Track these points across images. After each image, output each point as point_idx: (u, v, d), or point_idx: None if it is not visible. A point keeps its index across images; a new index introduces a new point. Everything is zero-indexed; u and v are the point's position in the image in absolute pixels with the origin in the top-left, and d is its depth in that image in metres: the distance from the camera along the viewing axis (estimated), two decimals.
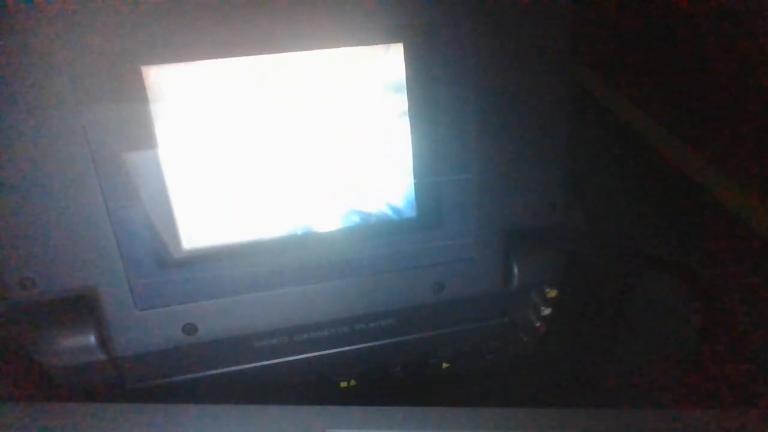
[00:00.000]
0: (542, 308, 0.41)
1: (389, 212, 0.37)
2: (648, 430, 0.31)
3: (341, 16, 0.33)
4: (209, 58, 0.32)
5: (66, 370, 0.35)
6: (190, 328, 0.35)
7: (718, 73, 0.46)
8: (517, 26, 0.35)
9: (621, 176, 0.55)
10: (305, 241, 0.36)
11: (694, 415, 0.31)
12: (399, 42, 0.34)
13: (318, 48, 0.33)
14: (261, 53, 0.32)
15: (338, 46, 0.33)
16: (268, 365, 0.39)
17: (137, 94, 0.31)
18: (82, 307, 0.34)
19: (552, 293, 0.41)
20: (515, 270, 0.40)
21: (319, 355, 0.40)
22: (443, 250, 0.38)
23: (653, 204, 0.52)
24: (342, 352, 0.40)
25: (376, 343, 0.40)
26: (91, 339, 0.34)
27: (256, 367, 0.39)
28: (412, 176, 0.36)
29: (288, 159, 0.35)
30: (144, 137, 0.32)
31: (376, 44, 0.34)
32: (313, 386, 0.42)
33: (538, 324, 0.42)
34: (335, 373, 0.42)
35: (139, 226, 0.33)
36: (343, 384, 0.43)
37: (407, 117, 0.35)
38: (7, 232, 0.32)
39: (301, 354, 0.39)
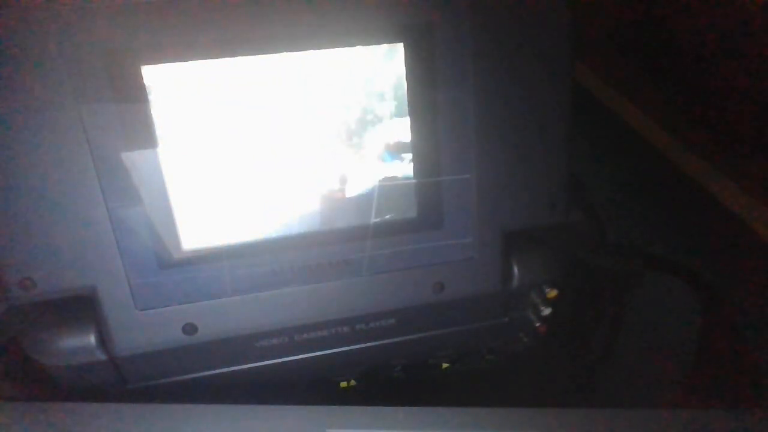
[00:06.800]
0: (542, 308, 0.41)
1: (389, 212, 0.37)
2: (648, 430, 0.31)
3: (341, 16, 0.33)
4: (209, 58, 0.32)
5: (66, 370, 0.35)
6: (190, 328, 0.35)
7: (718, 73, 0.46)
8: (517, 26, 0.35)
9: (621, 176, 0.55)
10: (305, 241, 0.36)
11: (695, 415, 0.31)
12: (399, 42, 0.34)
13: (318, 48, 0.33)
14: (261, 53, 0.32)
15: (338, 46, 0.33)
16: (268, 365, 0.39)
17: (137, 94, 0.31)
18: (82, 307, 0.34)
19: (552, 293, 0.41)
20: (515, 270, 0.40)
21: (320, 355, 0.40)
22: (443, 250, 0.38)
23: (653, 204, 0.52)
24: (342, 352, 0.40)
25: (376, 343, 0.40)
26: (91, 339, 0.34)
27: (256, 367, 0.39)
28: (412, 176, 0.36)
29: (288, 159, 0.35)
30: (144, 137, 0.32)
31: (376, 44, 0.34)
32: (313, 386, 0.42)
33: (538, 324, 0.42)
34: (335, 373, 0.42)
35: (139, 226, 0.33)
36: (343, 384, 0.43)
37: (407, 117, 0.35)
38: (7, 232, 0.32)
39: (301, 354, 0.39)
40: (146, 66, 0.31)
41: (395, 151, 0.36)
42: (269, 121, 0.34)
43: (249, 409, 0.31)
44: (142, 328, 0.35)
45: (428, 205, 0.37)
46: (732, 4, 0.43)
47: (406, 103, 0.35)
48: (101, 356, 0.35)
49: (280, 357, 0.39)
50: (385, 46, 0.34)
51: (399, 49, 0.34)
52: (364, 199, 0.36)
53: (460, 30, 0.34)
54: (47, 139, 0.31)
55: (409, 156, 0.36)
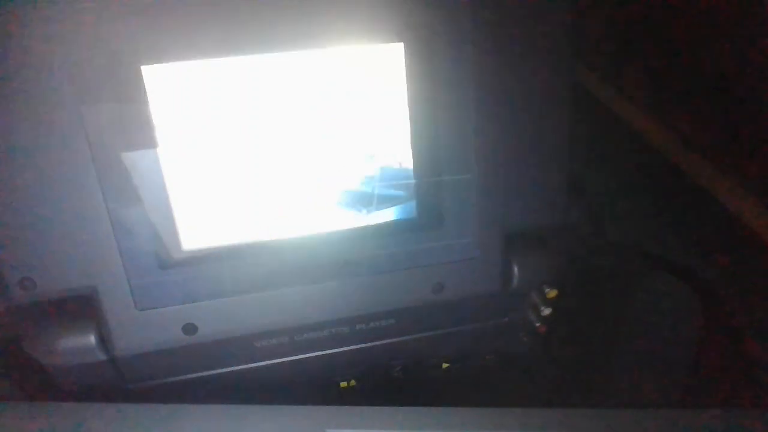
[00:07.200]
0: (542, 308, 0.41)
1: (389, 212, 0.37)
2: (648, 430, 0.31)
3: (341, 16, 0.33)
4: (209, 58, 0.32)
5: (66, 370, 0.35)
6: (190, 328, 0.35)
7: (718, 73, 0.46)
8: (517, 26, 0.35)
9: (621, 176, 0.55)
10: (305, 241, 0.36)
11: (694, 415, 0.31)
12: (399, 42, 0.34)
13: (318, 48, 0.33)
14: (261, 53, 0.32)
15: (338, 46, 0.33)
16: (268, 365, 0.39)
17: (137, 94, 0.31)
18: (82, 307, 0.34)
19: (552, 293, 0.41)
20: (515, 270, 0.40)
21: (319, 355, 0.40)
22: (443, 250, 0.38)
23: (653, 204, 0.52)
24: (342, 352, 0.40)
25: (376, 343, 0.40)
26: (91, 339, 0.34)
27: (256, 367, 0.39)
28: (412, 176, 0.36)
29: (288, 159, 0.35)
30: (144, 137, 0.32)
31: (376, 44, 0.34)
32: (313, 386, 0.42)
33: (538, 324, 0.42)
34: (335, 373, 0.42)
35: (139, 226, 0.33)
36: (343, 384, 0.43)
37: (407, 117, 0.35)
38: (7, 232, 0.32)
39: (301, 354, 0.39)
40: (146, 66, 0.31)
41: (395, 151, 0.36)
42: (269, 120, 0.34)
43: (249, 409, 0.31)
44: (142, 328, 0.35)
45: (428, 205, 0.37)
46: (732, 3, 0.43)
47: (406, 102, 0.35)
48: (101, 356, 0.35)
49: (280, 357, 0.39)
50: (385, 46, 0.34)
51: (399, 49, 0.34)
52: (365, 200, 0.36)
53: (460, 30, 0.34)
54: (47, 140, 0.31)
55: (409, 155, 0.36)
